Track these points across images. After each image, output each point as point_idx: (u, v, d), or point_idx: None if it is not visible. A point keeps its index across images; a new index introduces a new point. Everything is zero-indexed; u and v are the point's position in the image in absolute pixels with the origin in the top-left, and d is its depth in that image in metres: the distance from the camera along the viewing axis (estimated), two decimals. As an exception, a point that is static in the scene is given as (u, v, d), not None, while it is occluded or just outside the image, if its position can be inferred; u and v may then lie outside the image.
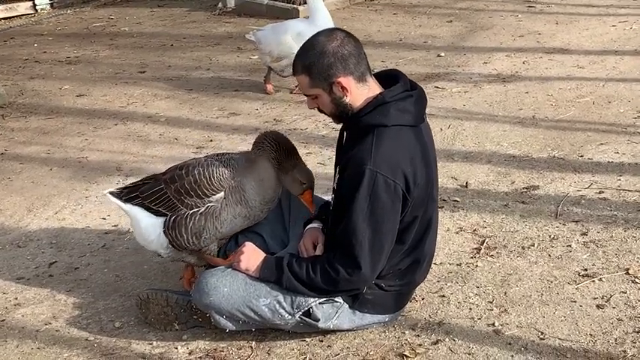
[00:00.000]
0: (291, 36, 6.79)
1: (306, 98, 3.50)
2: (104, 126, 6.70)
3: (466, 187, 5.06)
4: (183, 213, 3.70)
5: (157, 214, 3.76)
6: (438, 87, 6.95)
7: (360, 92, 3.38)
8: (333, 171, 3.61)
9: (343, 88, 3.34)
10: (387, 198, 3.29)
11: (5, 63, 8.80)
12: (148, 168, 5.74)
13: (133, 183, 3.95)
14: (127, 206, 3.83)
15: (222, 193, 3.65)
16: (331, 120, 3.55)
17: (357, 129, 3.40)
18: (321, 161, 5.63)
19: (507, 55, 7.86)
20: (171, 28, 10.00)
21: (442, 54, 8.04)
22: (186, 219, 3.69)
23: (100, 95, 7.51)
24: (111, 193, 3.88)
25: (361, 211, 3.29)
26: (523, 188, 4.97)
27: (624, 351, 3.40)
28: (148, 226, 3.80)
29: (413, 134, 3.40)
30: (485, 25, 9.07)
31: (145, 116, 6.87)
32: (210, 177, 3.67)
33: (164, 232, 3.75)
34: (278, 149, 3.63)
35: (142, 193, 3.80)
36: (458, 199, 4.87)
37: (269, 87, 7.20)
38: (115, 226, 4.92)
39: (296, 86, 7.17)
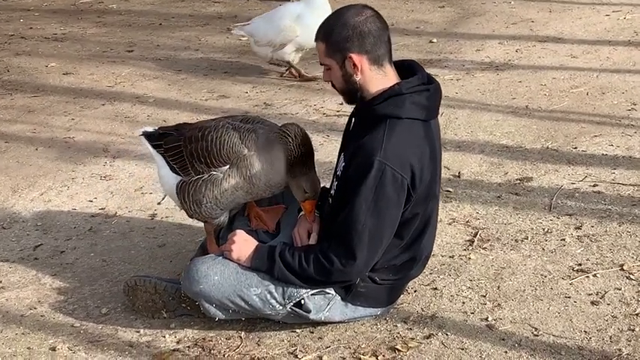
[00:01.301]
0: (290, 20, 6.69)
1: (323, 70, 3.42)
2: (91, 106, 6.60)
3: (459, 177, 5.00)
4: (188, 179, 3.66)
5: (172, 170, 3.75)
6: (430, 74, 6.85)
7: (373, 75, 3.30)
8: (337, 157, 3.53)
9: (355, 66, 3.26)
10: (392, 191, 3.22)
11: (-10, 38, 8.67)
12: (135, 150, 5.65)
13: (166, 127, 3.94)
14: (153, 151, 3.84)
15: (227, 166, 3.57)
16: (340, 99, 3.47)
17: (369, 117, 3.33)
18: (311, 147, 5.55)
19: (500, 43, 7.80)
20: (159, 7, 9.88)
21: (434, 40, 7.98)
22: (189, 185, 3.66)
23: (87, 74, 7.40)
24: (144, 133, 3.88)
25: (365, 202, 3.22)
26: (516, 180, 4.92)
27: (619, 349, 3.36)
28: (165, 176, 3.80)
29: (424, 129, 3.34)
30: (478, 12, 9.01)
31: (132, 96, 6.77)
32: (220, 147, 3.56)
33: (175, 192, 3.74)
34: (297, 148, 3.48)
35: (166, 144, 3.77)
36: (450, 190, 4.81)
37: (302, 72, 7.06)
38: (102, 209, 4.83)
39: (286, 70, 7.08)
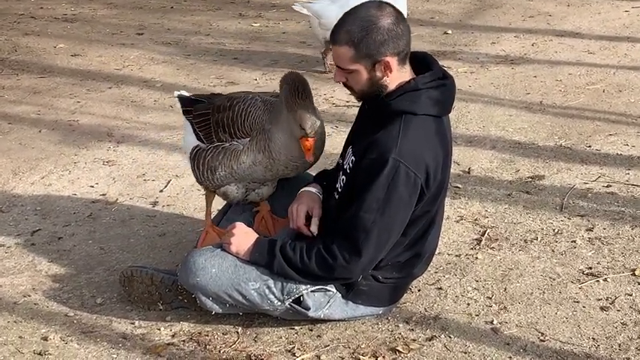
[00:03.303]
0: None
1: (337, 71, 3.23)
2: (97, 89, 6.51)
3: (468, 173, 4.88)
4: (205, 146, 3.65)
5: (197, 137, 3.72)
6: (443, 66, 6.62)
7: (398, 75, 3.18)
8: (343, 149, 3.41)
9: (386, 68, 3.13)
10: (405, 191, 3.11)
11: (0, 17, 8.57)
12: (140, 135, 5.57)
13: (199, 95, 3.94)
14: (183, 117, 3.84)
15: (249, 139, 3.52)
16: (351, 96, 3.35)
17: (383, 112, 3.20)
18: (319, 137, 5.44)
19: (516, 36, 7.66)
20: (171, -11, 9.77)
21: (449, 31, 7.84)
22: (207, 151, 3.64)
23: (95, 56, 7.30)
24: (180, 96, 3.92)
25: (376, 200, 3.11)
26: (528, 177, 4.79)
27: (628, 358, 3.24)
28: (189, 142, 3.79)
29: (438, 125, 3.23)
30: (495, 4, 8.86)
31: (140, 80, 6.67)
32: (244, 119, 3.53)
33: (189, 157, 3.74)
34: (292, 89, 3.39)
35: (196, 111, 3.75)
36: (459, 186, 4.69)
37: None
38: (102, 194, 4.74)
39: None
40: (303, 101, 3.39)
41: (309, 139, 3.39)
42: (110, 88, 6.52)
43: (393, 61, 3.13)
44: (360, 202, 3.14)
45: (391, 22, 3.10)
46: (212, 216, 3.90)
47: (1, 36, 7.89)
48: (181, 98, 3.89)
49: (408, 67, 3.22)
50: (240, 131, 3.54)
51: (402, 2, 6.08)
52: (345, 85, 3.27)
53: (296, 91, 3.39)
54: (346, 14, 3.17)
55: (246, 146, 3.53)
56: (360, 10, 3.14)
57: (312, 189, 3.53)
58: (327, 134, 5.40)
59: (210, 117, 3.66)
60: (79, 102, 6.21)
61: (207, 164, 3.63)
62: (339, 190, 3.34)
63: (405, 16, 3.35)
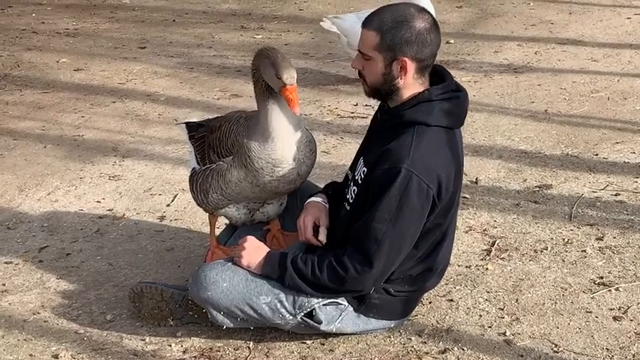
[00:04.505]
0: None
1: (357, 56, 3.23)
2: (102, 103, 6.50)
3: (476, 183, 4.87)
4: (199, 169, 3.65)
5: (196, 160, 3.74)
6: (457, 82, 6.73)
7: (412, 83, 3.17)
8: (354, 160, 3.40)
9: (402, 69, 3.12)
10: (417, 202, 3.10)
11: (2, 33, 8.58)
12: (145, 149, 5.55)
13: (206, 120, 3.94)
14: (188, 142, 3.87)
15: (232, 157, 3.50)
16: (363, 91, 3.31)
17: (395, 122, 3.20)
18: (325, 149, 5.43)
19: (519, 45, 7.66)
20: (173, 3, 9.78)
21: (451, 41, 7.83)
22: (199, 174, 3.63)
23: (99, 70, 7.30)
24: (187, 123, 3.95)
25: (388, 211, 3.09)
26: (535, 187, 4.78)
27: (643, 368, 3.23)
28: (190, 166, 3.82)
29: (450, 138, 3.22)
30: (497, 13, 8.86)
31: (144, 94, 6.66)
32: (227, 137, 3.52)
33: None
34: (260, 51, 3.37)
35: (198, 133, 3.77)
36: (467, 196, 4.67)
37: None
38: (109, 210, 4.72)
39: None
40: (275, 52, 3.33)
41: (288, 87, 3.29)
42: (114, 102, 6.51)
43: (411, 65, 3.12)
44: (372, 212, 3.13)
45: (424, 27, 3.09)
46: (217, 234, 3.89)
47: (4, 51, 7.89)
48: (188, 125, 3.90)
49: (425, 81, 3.21)
50: (225, 150, 3.53)
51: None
52: (360, 74, 3.26)
53: (265, 49, 3.36)
54: (388, 5, 3.19)
55: (229, 164, 3.50)
56: (401, 6, 3.16)
57: (317, 199, 3.52)
58: (332, 145, 5.45)
59: (204, 139, 3.69)
60: (83, 117, 6.20)
61: (200, 187, 3.62)
62: (350, 200, 3.32)
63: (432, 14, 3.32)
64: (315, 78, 6.91)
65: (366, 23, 3.17)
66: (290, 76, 3.27)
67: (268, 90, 3.36)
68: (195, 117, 5.98)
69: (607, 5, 8.94)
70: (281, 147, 3.38)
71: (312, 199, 3.52)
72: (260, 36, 8.24)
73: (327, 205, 3.49)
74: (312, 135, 3.57)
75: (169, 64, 7.45)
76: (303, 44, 7.96)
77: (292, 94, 3.28)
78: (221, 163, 3.53)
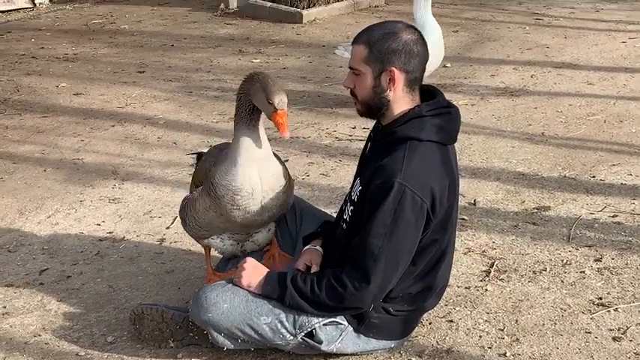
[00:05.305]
0: None
1: (348, 74, 3.28)
2: (101, 127, 6.52)
3: (474, 204, 4.90)
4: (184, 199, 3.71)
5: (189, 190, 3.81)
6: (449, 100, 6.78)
7: (402, 97, 3.21)
8: (352, 182, 3.43)
9: (392, 80, 3.17)
10: (411, 215, 3.12)
11: (1, 58, 8.62)
12: (144, 172, 5.57)
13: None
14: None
15: (202, 186, 3.55)
16: (355, 110, 3.34)
17: (388, 139, 3.23)
18: (323, 172, 5.46)
19: (515, 68, 7.71)
20: (172, 28, 9.83)
21: (448, 64, 7.88)
22: (181, 204, 3.70)
23: (98, 95, 7.33)
24: (197, 153, 4.02)
25: (383, 226, 3.11)
26: (533, 208, 4.81)
27: (643, 388, 3.24)
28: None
29: (443, 153, 3.25)
30: (493, 37, 8.92)
31: (143, 118, 6.69)
32: (201, 167, 3.59)
33: None
34: (249, 77, 3.38)
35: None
36: (466, 218, 4.70)
37: None
38: (109, 232, 4.74)
39: None
40: (265, 77, 3.34)
41: (279, 112, 3.30)
42: (113, 126, 6.54)
43: (400, 76, 3.17)
44: (367, 227, 3.15)
45: (410, 39, 3.16)
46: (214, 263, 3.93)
47: (3, 76, 7.92)
48: (198, 154, 3.98)
49: (416, 97, 3.25)
50: (199, 180, 3.58)
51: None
52: (352, 93, 3.30)
53: (256, 74, 3.38)
54: (377, 24, 3.28)
55: (199, 193, 3.52)
56: (389, 22, 3.26)
57: (313, 246, 3.56)
58: (330, 168, 5.48)
59: (196, 169, 3.78)
60: (82, 140, 6.23)
61: (180, 216, 3.70)
62: (347, 220, 3.35)
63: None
64: (314, 101, 6.95)
65: (356, 40, 3.24)
66: (281, 101, 3.30)
67: (249, 117, 3.38)
68: (196, 140, 6.02)
69: (602, 29, 9.01)
70: (242, 176, 3.38)
71: (309, 247, 3.57)
72: (258, 60, 8.29)
73: (320, 249, 3.54)
74: (286, 170, 3.57)
75: (168, 88, 7.49)
76: (301, 68, 8.02)
77: (282, 119, 3.31)
78: (195, 192, 3.58)
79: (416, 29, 3.23)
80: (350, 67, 3.26)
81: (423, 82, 3.32)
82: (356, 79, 3.24)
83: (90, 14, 10.70)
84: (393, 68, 3.15)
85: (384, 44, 3.15)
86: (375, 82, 3.19)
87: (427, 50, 3.22)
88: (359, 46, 3.20)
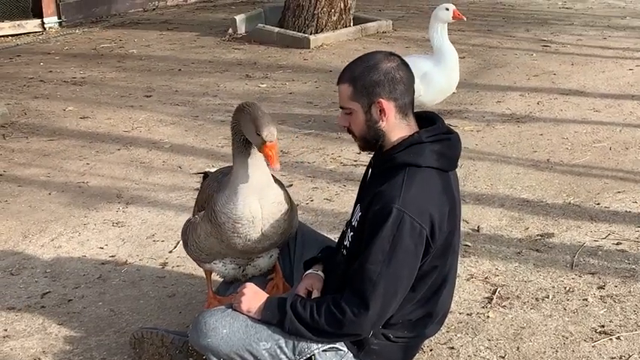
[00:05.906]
0: (417, 76, 6.41)
1: (340, 113, 3.29)
2: (107, 150, 6.55)
3: (478, 231, 4.88)
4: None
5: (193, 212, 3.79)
6: (450, 125, 6.71)
7: (397, 124, 3.21)
8: (353, 207, 3.42)
9: (382, 111, 3.17)
10: (410, 241, 3.10)
11: (10, 81, 8.67)
12: (149, 196, 5.58)
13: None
14: None
15: (204, 211, 3.53)
16: (356, 145, 3.35)
17: (387, 165, 3.23)
18: (327, 197, 5.46)
19: (521, 95, 7.71)
20: (179, 52, 9.88)
21: (455, 90, 7.88)
22: (183, 227, 3.68)
23: (105, 118, 7.36)
24: (205, 172, 4.04)
25: (382, 252, 3.10)
26: (537, 235, 4.79)
27: (644, 418, 3.21)
28: None
29: (443, 179, 3.24)
30: (499, 63, 8.94)
31: (149, 142, 6.72)
32: (204, 192, 3.58)
33: None
34: (240, 107, 3.35)
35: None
36: (469, 244, 4.68)
37: None
38: (112, 256, 4.74)
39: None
40: (255, 108, 3.31)
41: (267, 144, 3.27)
42: (119, 149, 6.56)
43: (389, 105, 3.16)
44: (366, 254, 3.13)
45: (390, 67, 3.16)
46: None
47: (11, 99, 7.97)
48: (205, 174, 3.98)
49: (413, 122, 3.25)
50: (200, 205, 3.58)
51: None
52: (349, 130, 3.31)
53: (246, 104, 3.35)
54: (356, 58, 3.26)
55: (201, 218, 3.52)
56: (368, 54, 3.25)
57: (313, 271, 3.53)
58: (334, 193, 5.48)
59: (199, 193, 3.77)
60: (88, 164, 6.25)
61: (181, 238, 3.69)
62: (348, 246, 3.34)
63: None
64: (319, 126, 6.96)
65: (339, 79, 3.24)
66: (270, 133, 3.26)
67: (245, 146, 3.37)
68: (201, 164, 6.03)
69: (609, 57, 9.02)
70: (242, 204, 3.37)
71: (310, 271, 3.55)
72: (265, 85, 8.31)
73: (321, 274, 3.51)
74: (287, 196, 3.56)
75: (174, 112, 7.51)
76: (308, 93, 8.04)
77: (272, 152, 3.28)
78: (196, 216, 3.57)
79: (396, 56, 3.23)
80: (340, 107, 3.27)
81: (429, 110, 3.32)
82: (349, 118, 3.25)
83: (99, 38, 10.78)
84: (380, 99, 3.15)
85: (366, 78, 3.15)
86: (367, 117, 3.20)
87: (411, 73, 3.22)
88: (343, 85, 3.21)
